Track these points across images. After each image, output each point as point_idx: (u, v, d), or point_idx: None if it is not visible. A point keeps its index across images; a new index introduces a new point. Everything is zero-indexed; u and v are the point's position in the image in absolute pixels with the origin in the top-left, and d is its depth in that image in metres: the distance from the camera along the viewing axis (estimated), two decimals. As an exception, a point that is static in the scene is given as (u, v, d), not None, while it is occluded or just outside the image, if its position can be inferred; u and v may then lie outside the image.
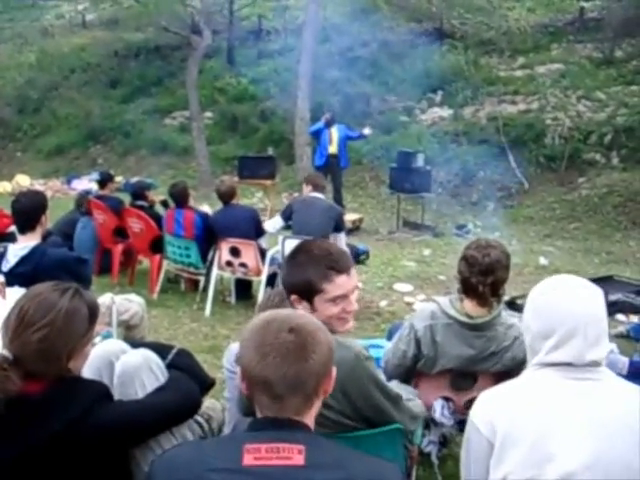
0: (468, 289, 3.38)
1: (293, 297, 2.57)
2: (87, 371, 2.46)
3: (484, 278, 3.31)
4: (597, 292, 2.12)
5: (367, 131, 12.61)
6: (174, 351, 2.68)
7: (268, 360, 1.75)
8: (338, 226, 7.05)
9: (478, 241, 3.51)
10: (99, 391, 2.31)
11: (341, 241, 7.07)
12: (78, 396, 2.21)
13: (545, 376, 2.06)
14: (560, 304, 2.08)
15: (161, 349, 2.68)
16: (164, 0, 16.82)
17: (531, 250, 10.60)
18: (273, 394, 1.75)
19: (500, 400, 2.09)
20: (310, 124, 13.89)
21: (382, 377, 2.68)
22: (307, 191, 7.34)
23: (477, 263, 3.33)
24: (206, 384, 2.73)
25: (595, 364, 2.04)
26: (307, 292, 2.53)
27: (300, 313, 2.08)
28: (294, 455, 1.69)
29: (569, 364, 2.03)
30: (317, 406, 1.85)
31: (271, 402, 1.77)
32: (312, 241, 2.81)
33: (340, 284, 2.54)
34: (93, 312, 2.33)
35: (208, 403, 2.94)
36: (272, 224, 7.42)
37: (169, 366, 2.59)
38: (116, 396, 2.44)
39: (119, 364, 2.51)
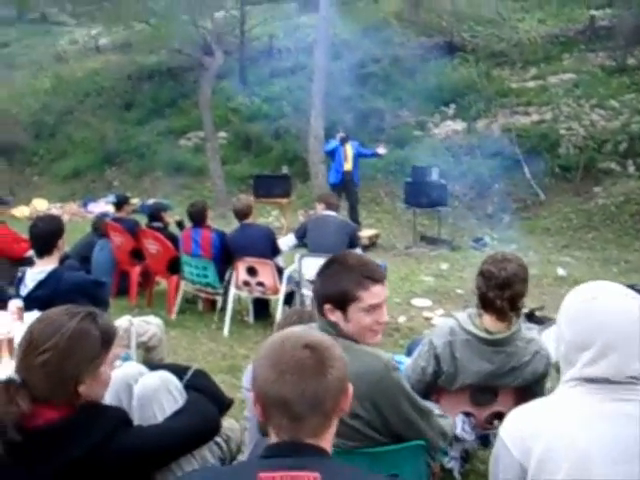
0: (486, 304, 3.36)
1: (327, 307, 2.60)
2: (106, 395, 2.46)
3: (502, 292, 3.29)
4: (637, 301, 1.98)
5: (382, 150, 12.55)
6: (191, 372, 2.68)
7: (285, 378, 1.71)
8: (353, 242, 7.05)
9: (494, 255, 3.49)
10: (118, 417, 2.29)
11: None
12: (98, 422, 2.19)
13: (582, 396, 1.94)
14: (599, 314, 1.95)
15: (178, 370, 2.67)
16: (176, 22, 16.97)
17: (549, 261, 10.53)
18: (292, 414, 1.71)
19: (534, 420, 1.96)
20: (324, 142, 13.91)
21: (411, 389, 2.66)
22: (320, 209, 7.39)
23: (494, 277, 3.31)
24: (224, 404, 2.72)
25: (635, 381, 1.91)
26: (342, 300, 2.58)
27: (313, 330, 2.07)
28: None
29: (607, 380, 1.91)
30: (334, 427, 1.81)
31: (290, 423, 1.72)
32: (346, 253, 2.92)
33: (375, 293, 2.60)
34: (107, 337, 2.28)
35: (227, 423, 2.93)
36: (285, 242, 7.43)
37: (186, 387, 2.58)
38: (135, 419, 2.43)
39: (137, 387, 2.51)
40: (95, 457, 2.12)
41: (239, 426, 3.06)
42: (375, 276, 2.63)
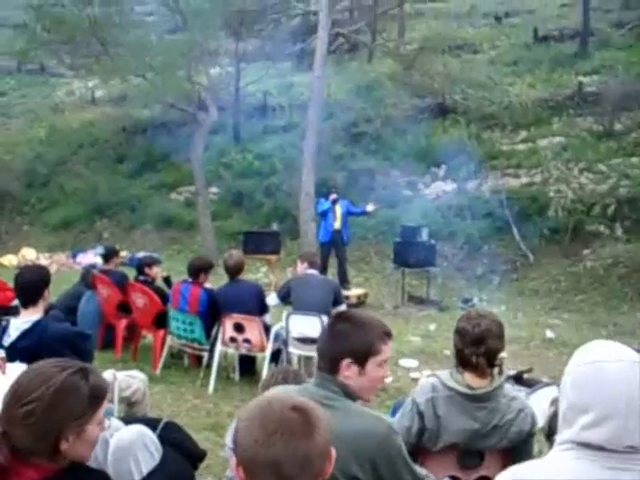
0: (464, 361, 3.39)
1: (346, 361, 2.61)
2: None
3: (476, 348, 3.32)
4: None
5: (370, 207, 12.67)
6: (161, 425, 2.64)
7: (275, 438, 1.68)
8: (337, 299, 7.09)
9: (469, 313, 3.53)
10: None
11: None
12: None
13: (577, 461, 1.89)
14: (603, 379, 1.90)
15: (149, 423, 2.64)
16: (171, 78, 17.15)
17: (537, 323, 10.54)
18: (283, 476, 1.68)
19: None
20: (315, 200, 13.99)
21: (408, 455, 2.64)
22: (302, 268, 7.38)
23: (468, 334, 3.35)
24: (197, 457, 2.69)
25: (633, 449, 1.86)
26: (366, 353, 2.64)
27: (295, 394, 2.08)
28: None
29: (602, 447, 1.86)
30: None
31: None
32: (353, 311, 3.04)
33: (389, 348, 2.72)
34: (97, 394, 2.23)
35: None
36: (268, 300, 7.42)
37: (160, 439, 2.54)
38: (111, 472, 2.39)
39: (113, 441, 2.48)
40: None
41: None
42: (390, 332, 2.75)
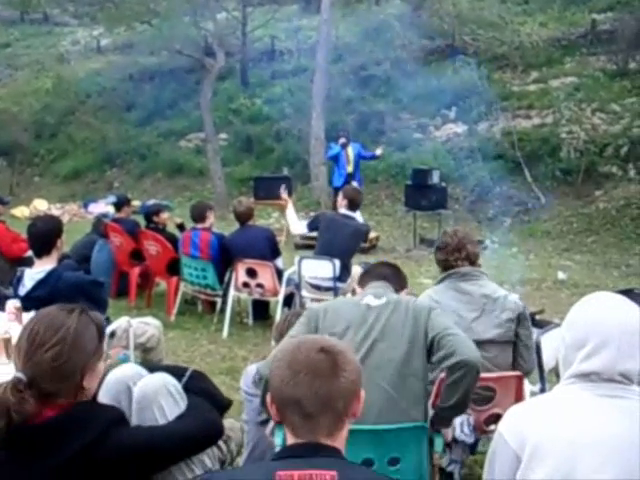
0: (449, 269, 3.93)
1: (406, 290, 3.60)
2: (105, 396, 2.46)
3: (459, 254, 3.89)
4: (633, 306, 2.09)
5: (379, 151, 12.71)
6: (188, 373, 2.67)
7: (299, 378, 1.79)
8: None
9: (444, 232, 4.21)
10: (114, 416, 2.30)
11: None
12: (94, 420, 2.20)
13: (576, 391, 2.03)
14: (593, 315, 2.07)
15: (176, 371, 2.67)
16: (177, 24, 16.96)
17: (549, 265, 10.52)
18: (304, 413, 1.78)
19: (530, 413, 2.06)
20: (325, 143, 13.91)
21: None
22: (343, 205, 7.01)
23: (449, 245, 3.92)
24: (223, 406, 2.72)
25: (627, 379, 2.00)
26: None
27: (328, 337, 2.16)
28: None
29: (600, 375, 1.99)
30: (346, 430, 1.87)
31: (302, 422, 1.80)
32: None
33: None
34: (101, 330, 2.35)
35: (227, 423, 2.92)
36: (296, 227, 7.36)
37: (185, 389, 2.58)
38: (135, 421, 2.43)
39: (137, 389, 2.50)
40: (90, 455, 2.12)
41: (239, 425, 3.05)
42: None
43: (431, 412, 3.03)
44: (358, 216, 7.26)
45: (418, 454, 2.88)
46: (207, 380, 2.79)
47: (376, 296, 3.18)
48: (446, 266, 3.93)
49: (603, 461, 1.89)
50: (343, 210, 7.01)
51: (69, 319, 2.24)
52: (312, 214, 12.97)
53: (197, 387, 2.63)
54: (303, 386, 1.78)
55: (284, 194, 7.59)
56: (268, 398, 1.86)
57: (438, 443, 3.07)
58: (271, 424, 3.17)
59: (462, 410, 3.02)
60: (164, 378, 2.54)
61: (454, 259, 3.88)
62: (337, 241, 6.71)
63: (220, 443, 2.73)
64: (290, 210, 7.41)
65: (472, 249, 3.94)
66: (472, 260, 3.92)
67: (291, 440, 1.83)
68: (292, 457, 1.79)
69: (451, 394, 2.86)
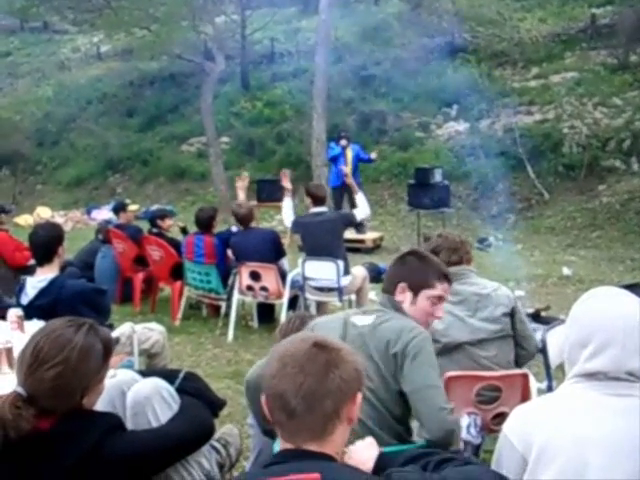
0: None
1: (401, 285, 3.00)
2: (100, 403, 2.45)
3: (455, 255, 3.87)
4: (637, 301, 2.05)
5: (374, 155, 12.68)
6: (181, 375, 2.67)
7: (286, 371, 1.70)
8: (349, 224, 7.24)
9: (436, 237, 4.12)
10: (111, 422, 2.29)
11: (359, 214, 7.20)
12: (89, 429, 2.20)
13: (581, 390, 1.99)
14: (597, 312, 2.03)
15: (169, 374, 2.67)
16: (176, 28, 16.96)
17: (554, 261, 10.49)
18: (289, 410, 1.68)
19: (536, 414, 2.02)
20: (326, 144, 13.90)
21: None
22: (309, 204, 7.09)
23: (446, 242, 3.92)
24: (217, 406, 2.72)
25: (633, 377, 1.96)
26: (420, 284, 2.99)
27: (327, 335, 2.06)
28: None
29: (606, 375, 1.95)
30: (342, 434, 1.76)
31: (287, 421, 1.70)
32: (424, 250, 3.53)
33: (445, 289, 3.05)
34: (107, 348, 2.33)
35: (225, 429, 2.92)
36: (287, 220, 7.28)
37: (179, 391, 2.57)
38: (130, 426, 2.42)
39: (130, 395, 2.50)
40: (88, 463, 2.12)
41: (238, 431, 3.03)
42: (449, 275, 3.09)
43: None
44: (360, 209, 7.18)
45: None
46: (200, 381, 2.79)
47: (365, 313, 2.98)
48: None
49: (613, 460, 1.86)
50: (312, 209, 7.05)
51: (76, 337, 2.22)
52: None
53: (191, 388, 2.63)
54: (289, 379, 1.69)
55: (287, 183, 7.54)
56: (263, 398, 1.77)
57: None
58: None
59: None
60: (157, 383, 2.54)
61: (447, 259, 3.81)
62: (321, 242, 6.70)
63: (219, 447, 2.73)
64: (287, 200, 7.34)
65: (467, 255, 3.98)
66: (464, 262, 3.93)
67: (281, 445, 1.74)
68: (277, 464, 1.70)
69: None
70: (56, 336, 2.21)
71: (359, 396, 1.78)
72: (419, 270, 3.02)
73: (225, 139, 18.15)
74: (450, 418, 2.63)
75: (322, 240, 6.72)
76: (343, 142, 12.26)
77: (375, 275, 8.18)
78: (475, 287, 3.80)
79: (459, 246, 3.93)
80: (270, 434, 2.60)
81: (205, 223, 7.47)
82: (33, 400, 2.14)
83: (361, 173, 12.82)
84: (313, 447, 1.70)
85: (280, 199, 7.78)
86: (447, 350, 3.65)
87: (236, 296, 7.12)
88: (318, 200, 7.02)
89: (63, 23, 24.23)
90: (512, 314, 3.77)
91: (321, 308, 7.01)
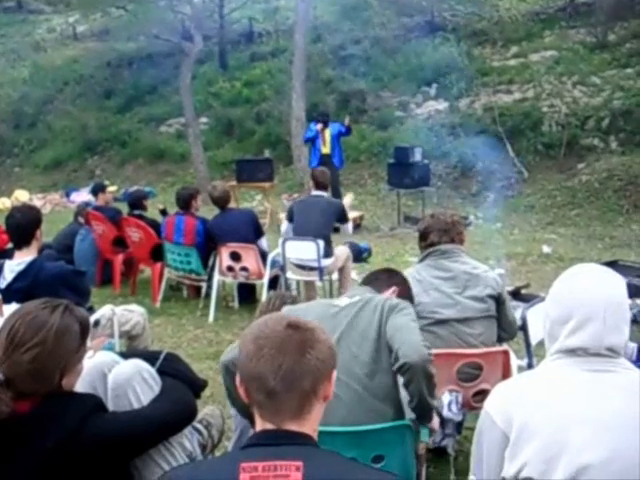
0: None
1: (395, 289, 3.25)
2: (81, 385, 2.43)
3: (446, 235, 3.92)
4: (617, 278, 2.06)
5: (346, 122, 12.25)
6: (162, 356, 2.66)
7: (263, 352, 1.71)
8: (342, 218, 7.04)
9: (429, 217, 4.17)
10: (91, 404, 2.28)
11: (348, 230, 7.44)
12: (70, 410, 2.18)
13: (562, 367, 2.00)
14: (578, 288, 2.03)
15: (149, 356, 2.66)
16: (153, 8, 16.80)
17: (534, 239, 10.55)
18: (268, 390, 1.70)
19: (517, 391, 2.03)
20: (306, 124, 13.84)
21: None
22: (311, 186, 7.29)
23: (438, 222, 3.97)
24: (199, 387, 2.71)
25: (614, 353, 1.97)
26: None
27: (298, 316, 2.05)
28: (291, 472, 1.62)
29: (586, 351, 1.96)
30: (318, 412, 1.79)
31: (267, 400, 1.71)
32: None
33: None
34: (84, 328, 2.31)
35: (207, 410, 2.92)
36: (283, 229, 7.32)
37: (160, 372, 2.56)
38: (111, 408, 2.41)
39: (111, 377, 2.48)
40: (69, 444, 2.11)
41: (219, 412, 3.03)
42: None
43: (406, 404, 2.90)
44: (347, 200, 7.26)
45: (402, 450, 2.77)
46: (181, 362, 2.78)
47: (349, 297, 3.09)
48: (432, 244, 3.95)
49: (593, 437, 1.86)
50: (313, 192, 7.17)
51: (51, 318, 2.20)
52: (295, 196, 12.96)
53: (172, 369, 2.62)
54: (267, 361, 1.70)
55: None
56: (237, 378, 1.79)
57: (424, 433, 3.00)
58: None
59: (426, 412, 2.85)
60: (137, 364, 2.52)
61: (438, 239, 3.91)
62: (311, 219, 6.71)
63: (201, 428, 2.73)
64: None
65: (459, 234, 4.01)
66: (456, 242, 3.96)
67: (259, 425, 1.75)
68: (257, 445, 1.71)
69: (410, 397, 2.74)
70: (31, 318, 2.19)
71: (334, 374, 1.81)
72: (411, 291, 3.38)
73: (204, 119, 18.05)
74: (427, 351, 2.69)
75: (312, 218, 6.71)
76: (319, 125, 12.11)
77: (356, 255, 8.17)
78: (467, 266, 3.83)
79: (450, 227, 3.95)
80: (249, 417, 2.63)
81: (186, 200, 7.39)
82: (11, 383, 2.12)
83: (344, 153, 12.75)
84: (293, 427, 1.72)
85: (260, 180, 7.77)
86: (433, 324, 3.67)
87: (217, 277, 7.10)
88: (319, 185, 7.12)
89: (38, 3, 23.97)
90: (498, 300, 3.80)
91: (308, 287, 7.01)
